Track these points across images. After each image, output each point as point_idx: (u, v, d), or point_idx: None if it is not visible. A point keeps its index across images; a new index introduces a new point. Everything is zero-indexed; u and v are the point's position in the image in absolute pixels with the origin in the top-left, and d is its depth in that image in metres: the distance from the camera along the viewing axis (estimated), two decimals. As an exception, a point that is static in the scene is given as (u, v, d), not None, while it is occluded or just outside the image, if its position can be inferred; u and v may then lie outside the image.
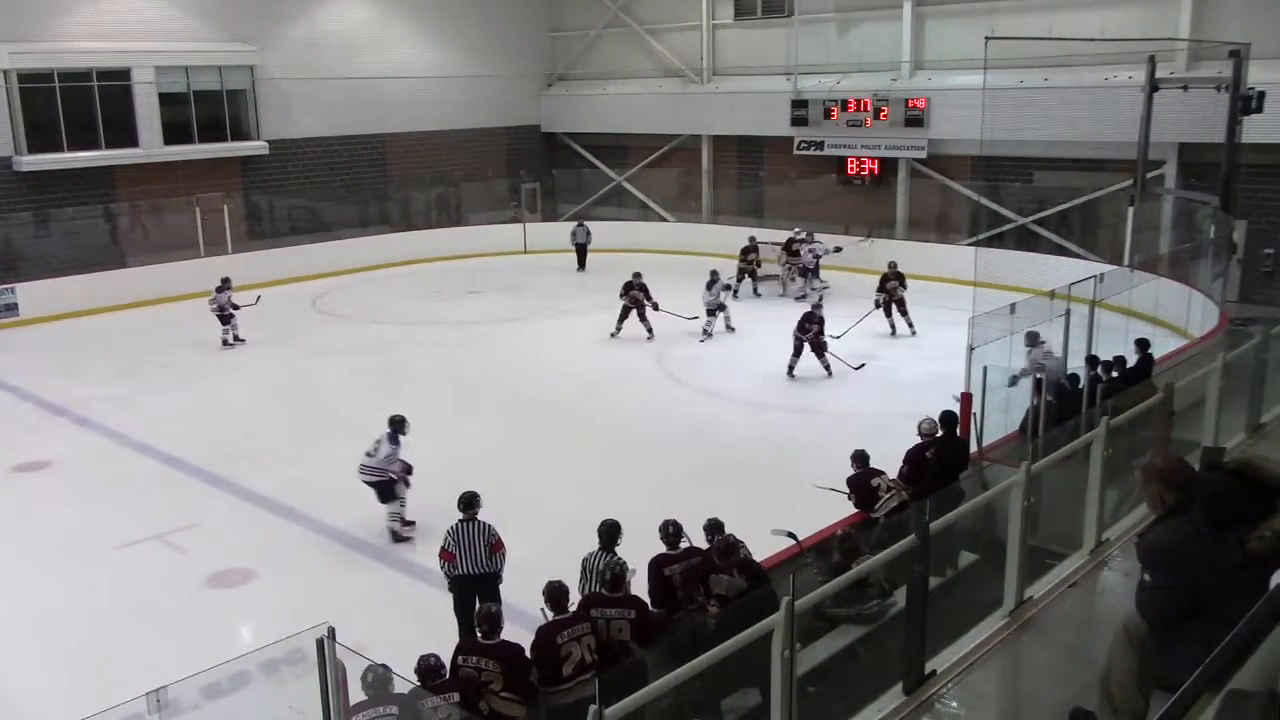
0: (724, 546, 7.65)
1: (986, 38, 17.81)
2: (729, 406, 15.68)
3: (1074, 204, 23.31)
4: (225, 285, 19.48)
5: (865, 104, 25.53)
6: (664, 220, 30.64)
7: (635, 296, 19.52)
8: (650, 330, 19.39)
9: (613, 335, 19.39)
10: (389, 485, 11.05)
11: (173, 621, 9.52)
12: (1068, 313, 12.45)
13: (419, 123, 29.79)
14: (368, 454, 11.12)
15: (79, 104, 23.62)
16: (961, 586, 7.66)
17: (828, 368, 16.78)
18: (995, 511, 6.86)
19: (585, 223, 27.25)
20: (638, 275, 19.88)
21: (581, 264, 26.51)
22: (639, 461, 13.29)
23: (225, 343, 19.29)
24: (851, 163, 26.42)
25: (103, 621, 9.56)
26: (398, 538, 11.10)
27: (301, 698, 5.09)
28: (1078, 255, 22.49)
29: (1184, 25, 20.86)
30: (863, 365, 17.11)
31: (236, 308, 19.37)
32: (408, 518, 11.20)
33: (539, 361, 18.46)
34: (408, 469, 11.14)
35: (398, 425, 11.18)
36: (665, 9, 30.02)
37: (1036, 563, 6.49)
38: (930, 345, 17.84)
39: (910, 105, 24.83)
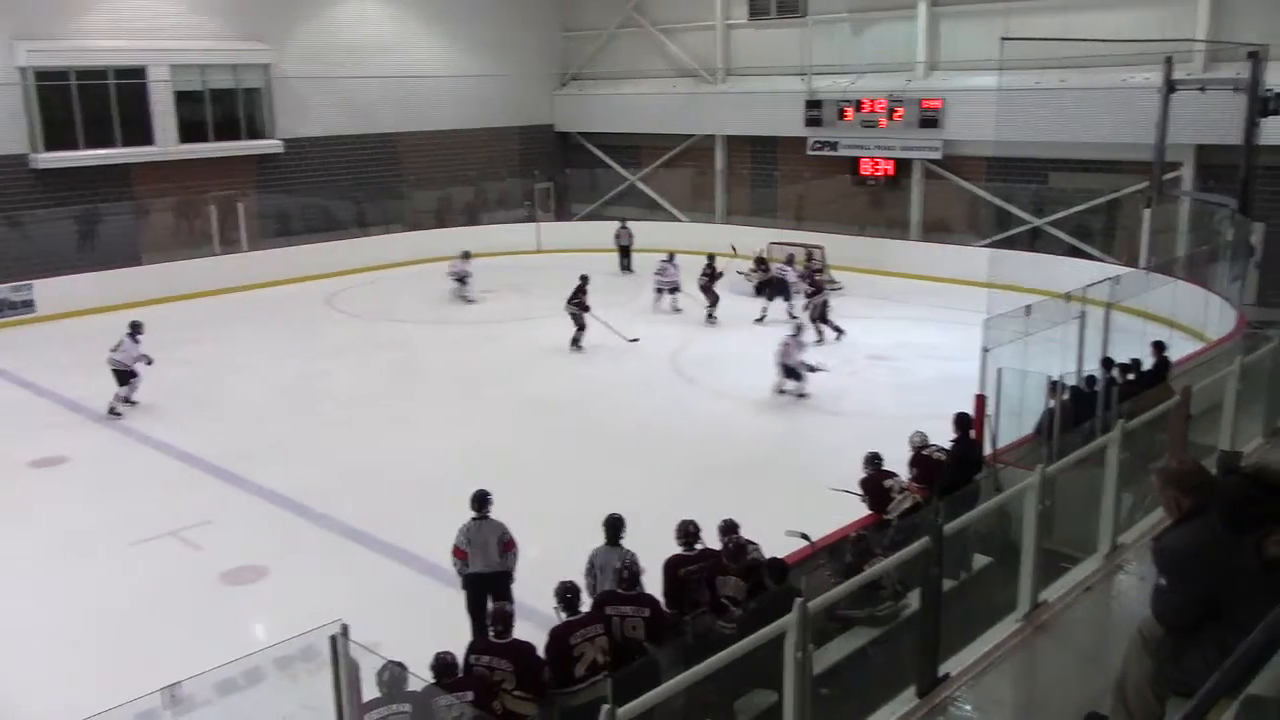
0: (734, 548, 7.64)
1: (1002, 38, 17.77)
2: (741, 406, 15.67)
3: (1090, 205, 23.21)
4: (467, 256, 23.35)
5: (880, 104, 25.47)
6: (677, 220, 30.61)
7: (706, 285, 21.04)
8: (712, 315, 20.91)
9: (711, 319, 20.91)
10: (128, 374, 15.25)
11: (187, 617, 9.56)
12: (1083, 315, 12.40)
13: (433, 122, 29.86)
14: (112, 350, 15.24)
15: (95, 102, 23.77)
16: (975, 589, 7.64)
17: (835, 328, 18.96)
18: (1009, 514, 6.84)
19: (628, 224, 27.13)
20: (712, 257, 21.43)
21: (626, 266, 26.39)
22: (651, 461, 13.29)
23: (466, 300, 22.97)
24: (865, 163, 26.36)
25: (117, 617, 9.60)
26: (113, 412, 15.25)
27: (315, 695, 5.10)
28: (1093, 257, 22.40)
29: (1202, 26, 20.75)
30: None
31: (469, 275, 23.09)
32: (133, 398, 15.45)
33: (551, 361, 18.47)
34: (149, 360, 15.43)
35: (136, 327, 15.57)
36: (679, 9, 30.01)
37: (1051, 566, 6.46)
38: (944, 347, 17.76)
39: (925, 106, 24.77)
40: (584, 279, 19.18)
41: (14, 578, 10.48)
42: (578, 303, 18.88)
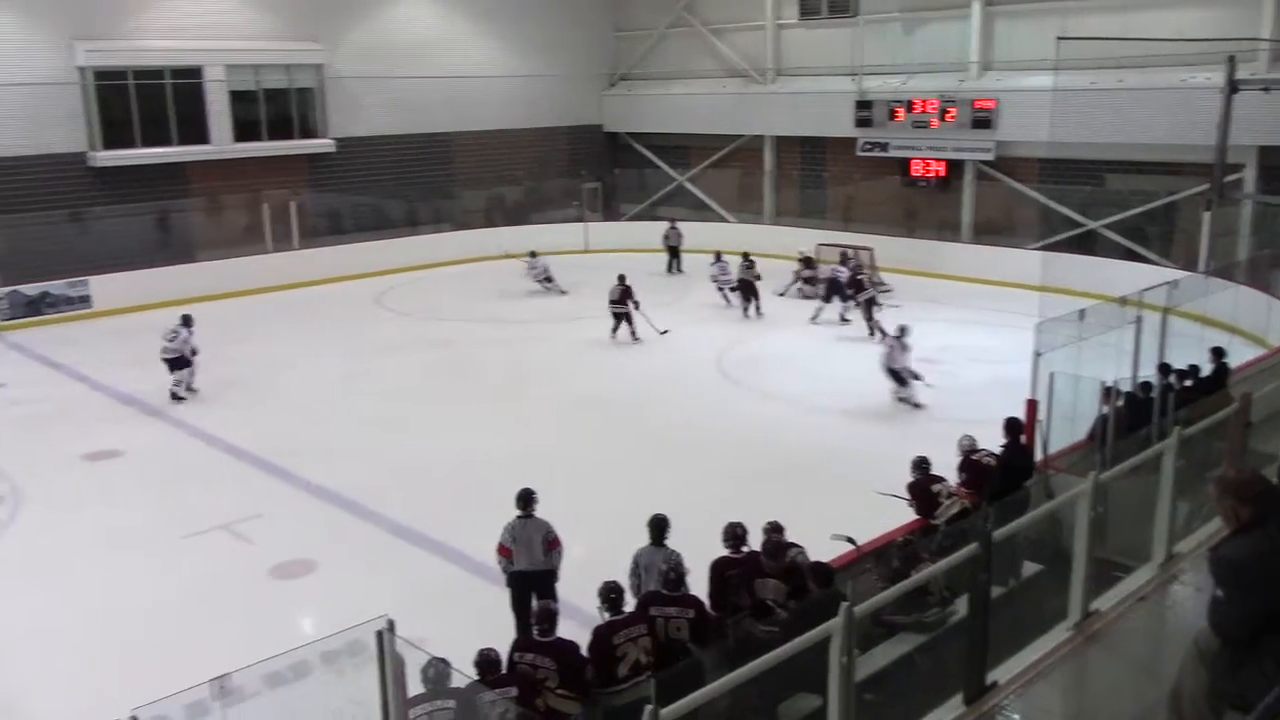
0: (773, 548, 7.58)
1: (1058, 38, 17.47)
2: (786, 408, 15.57)
3: (1147, 208, 22.77)
4: (534, 255, 24.20)
5: (931, 105, 25.20)
6: (725, 221, 30.51)
7: (743, 278, 21.50)
8: (759, 309, 21.41)
9: (746, 315, 21.49)
10: (182, 360, 16.01)
11: (236, 610, 9.70)
12: (1139, 320, 12.16)
13: (483, 122, 30.04)
14: (167, 340, 15.90)
15: (152, 101, 24.22)
16: (1025, 597, 7.52)
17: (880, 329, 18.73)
18: (1061, 521, 6.72)
19: (677, 224, 27.25)
20: (747, 255, 21.95)
21: (676, 266, 26.50)
22: (696, 462, 13.25)
23: (561, 292, 23.78)
24: (916, 164, 26.09)
25: (169, 608, 9.75)
26: (176, 397, 15.98)
27: (361, 689, 5.14)
28: (1150, 261, 21.99)
29: (1267, 25, 20.29)
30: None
31: (549, 279, 23.99)
32: (194, 385, 16.30)
33: (598, 360, 18.53)
34: (195, 350, 16.19)
35: (188, 320, 16.27)
36: (729, 9, 29.93)
37: (1103, 575, 6.35)
38: (995, 350, 17.53)
39: (978, 106, 24.46)
40: (622, 278, 19.58)
41: (67, 570, 10.68)
42: (634, 302, 19.32)
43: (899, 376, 15.34)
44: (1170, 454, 6.51)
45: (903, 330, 15.66)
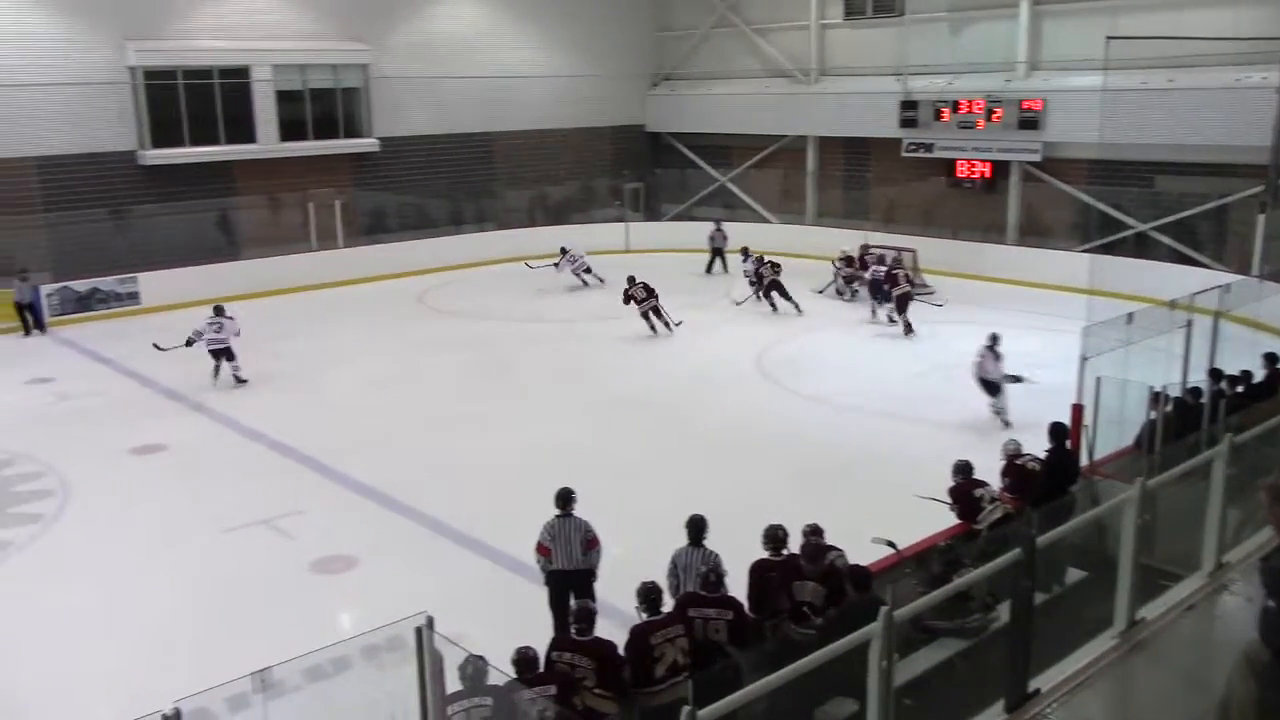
0: (812, 550, 7.53)
1: (1107, 37, 17.21)
2: (826, 409, 15.48)
3: (1199, 210, 22.37)
4: (565, 251, 24.78)
5: (978, 105, 24.93)
6: (767, 221, 30.38)
7: (774, 279, 21.64)
8: (797, 307, 21.33)
9: (775, 310, 21.52)
10: (229, 350, 16.66)
11: (277, 605, 9.79)
12: (1189, 324, 11.95)
13: (525, 121, 30.15)
14: (214, 332, 16.55)
15: (200, 101, 24.52)
16: (1069, 604, 7.41)
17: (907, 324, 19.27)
18: (1107, 528, 6.61)
19: (723, 225, 27.03)
20: (762, 258, 22.13)
21: (722, 267, 26.15)
22: (735, 462, 13.22)
23: (601, 281, 24.06)
24: (962, 165, 25.82)
25: (210, 602, 9.87)
26: (239, 380, 16.77)
27: (400, 684, 5.17)
28: (1201, 264, 21.60)
29: (1324, 24, 19.86)
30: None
31: (589, 270, 24.35)
32: (240, 376, 16.82)
33: (638, 359, 18.53)
34: (238, 332, 16.87)
35: (221, 310, 16.87)
36: (773, 8, 29.81)
37: (1150, 583, 6.24)
38: (1040, 354, 17.28)
39: (1025, 107, 24.15)
40: (633, 279, 20.11)
41: (113, 564, 10.83)
42: (657, 296, 19.68)
43: (992, 387, 14.46)
44: (1221, 461, 6.38)
45: (994, 339, 14.53)
